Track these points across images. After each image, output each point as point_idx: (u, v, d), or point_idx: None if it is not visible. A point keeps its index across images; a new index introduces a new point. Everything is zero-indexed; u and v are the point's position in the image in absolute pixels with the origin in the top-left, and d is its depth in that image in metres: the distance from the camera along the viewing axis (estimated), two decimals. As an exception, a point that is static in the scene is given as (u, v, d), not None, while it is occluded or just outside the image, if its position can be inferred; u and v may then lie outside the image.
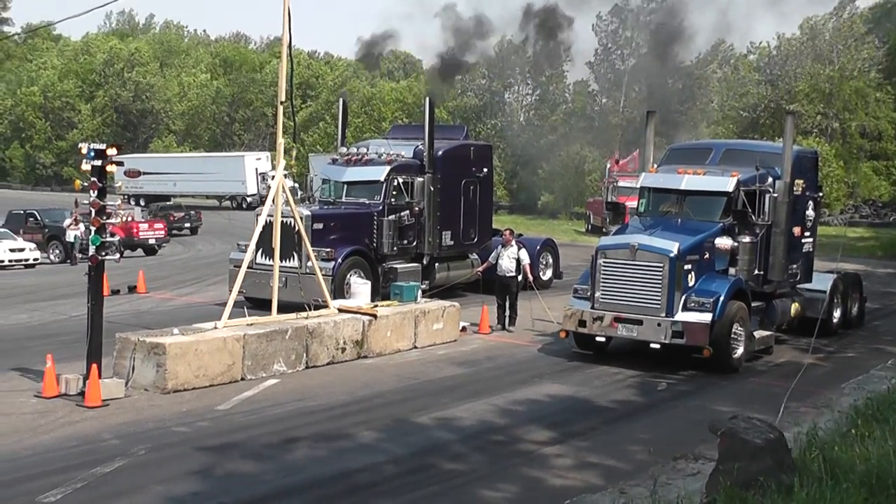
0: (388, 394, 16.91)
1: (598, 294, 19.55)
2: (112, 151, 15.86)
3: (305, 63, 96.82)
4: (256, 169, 74.22)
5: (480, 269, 25.70)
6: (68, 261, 38.84)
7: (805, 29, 75.05)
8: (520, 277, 23.45)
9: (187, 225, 54.98)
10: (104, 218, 15.86)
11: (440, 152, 27.36)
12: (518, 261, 23.32)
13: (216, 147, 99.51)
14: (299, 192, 33.15)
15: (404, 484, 12.06)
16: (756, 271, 20.49)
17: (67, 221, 40.19)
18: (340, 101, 30.87)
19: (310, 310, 19.53)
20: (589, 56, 80.00)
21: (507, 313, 23.39)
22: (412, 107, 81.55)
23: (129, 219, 43.69)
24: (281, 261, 20.31)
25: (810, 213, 22.44)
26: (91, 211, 15.82)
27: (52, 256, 41.05)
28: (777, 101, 69.06)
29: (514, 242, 23.65)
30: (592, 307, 19.62)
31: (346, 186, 26.79)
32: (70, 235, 39.18)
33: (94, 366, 15.32)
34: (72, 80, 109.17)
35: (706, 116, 76.23)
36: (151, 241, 44.95)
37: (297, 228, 21.45)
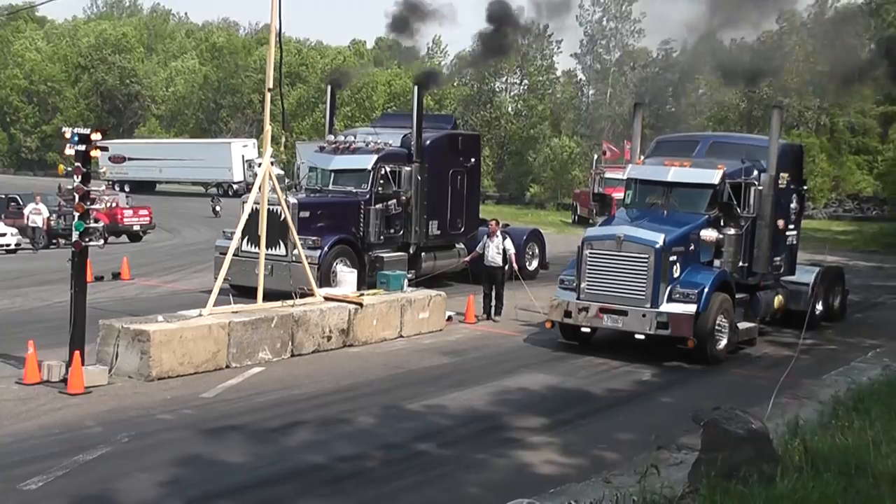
0: (373, 382, 16.92)
1: (583, 285, 19.58)
2: (96, 136, 15.77)
3: (294, 51, 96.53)
4: (243, 156, 73.99)
5: (467, 258, 25.73)
6: (33, 247, 38.32)
7: (782, 21, 75.17)
8: (506, 267, 23.50)
9: None
10: (88, 203, 15.80)
11: (428, 142, 27.34)
12: (504, 251, 23.37)
13: (202, 133, 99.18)
14: (286, 180, 33.08)
15: (390, 472, 12.08)
16: (741, 263, 20.59)
17: (31, 207, 39.78)
18: (329, 88, 30.82)
19: (296, 298, 19.52)
20: (575, 47, 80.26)
21: (494, 303, 23.44)
22: (400, 95, 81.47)
23: (114, 204, 43.54)
24: (267, 249, 20.28)
25: (795, 206, 22.55)
26: (75, 196, 15.76)
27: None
28: (773, 95, 69.19)
29: (499, 233, 23.68)
30: (578, 298, 19.65)
31: (333, 175, 26.74)
32: (34, 221, 38.84)
33: (77, 352, 15.26)
34: (58, 64, 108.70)
35: (696, 110, 76.35)
36: (136, 228, 44.78)
37: (283, 216, 21.42)
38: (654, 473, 10.83)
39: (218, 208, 56.86)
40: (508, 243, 23.63)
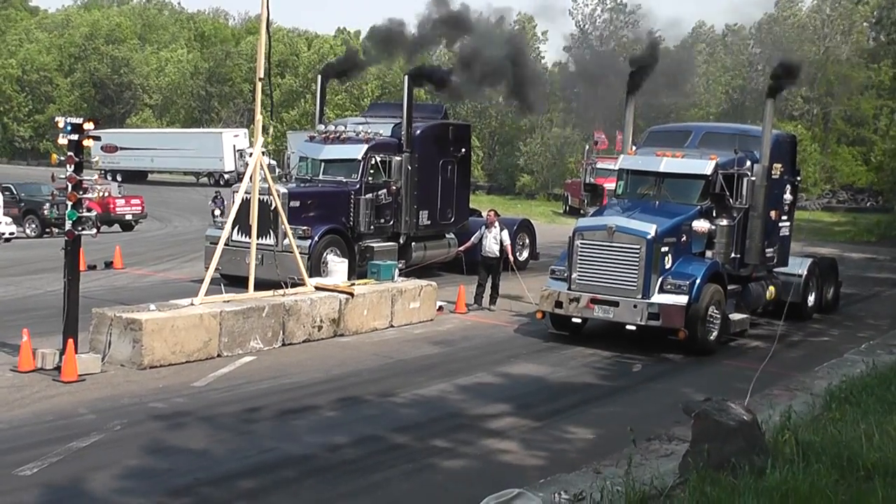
0: (363, 372, 16.93)
1: (574, 275, 19.60)
2: (89, 126, 15.77)
3: (286, 40, 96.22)
4: (234, 146, 73.79)
5: (462, 248, 25.73)
6: None
7: (782, 6, 75.14)
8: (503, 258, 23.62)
9: None
10: (81, 193, 15.79)
11: (418, 131, 27.31)
12: (501, 242, 23.43)
13: (194, 123, 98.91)
14: (277, 170, 33.03)
15: (378, 462, 12.09)
16: (733, 254, 20.61)
17: None
18: (319, 78, 30.75)
19: (287, 287, 19.52)
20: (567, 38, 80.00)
21: (490, 292, 23.50)
22: (391, 85, 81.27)
23: (106, 194, 43.46)
24: (257, 238, 20.24)
25: (788, 196, 22.55)
26: (67, 185, 15.74)
27: (27, 231, 40.76)
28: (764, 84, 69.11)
29: (497, 224, 23.72)
30: (569, 288, 19.67)
31: (323, 164, 26.69)
32: None
33: (71, 341, 15.27)
34: (51, 54, 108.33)
35: (689, 102, 76.24)
36: (128, 217, 44.73)
37: (273, 206, 21.38)
38: (644, 464, 10.89)
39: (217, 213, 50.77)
40: (505, 234, 23.70)
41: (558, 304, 19.82)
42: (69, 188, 15.70)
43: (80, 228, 15.78)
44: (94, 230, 17.00)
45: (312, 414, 14.12)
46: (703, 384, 16.62)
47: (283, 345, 18.40)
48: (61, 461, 11.47)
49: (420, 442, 13.07)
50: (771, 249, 21.70)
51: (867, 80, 69.67)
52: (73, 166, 15.69)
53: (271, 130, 47.25)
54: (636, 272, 19.00)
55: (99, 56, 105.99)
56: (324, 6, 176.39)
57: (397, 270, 22.43)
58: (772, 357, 19.22)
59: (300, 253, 21.04)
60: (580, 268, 19.57)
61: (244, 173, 20.05)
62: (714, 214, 20.35)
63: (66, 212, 15.70)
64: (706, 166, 20.30)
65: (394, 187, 26.33)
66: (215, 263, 18.87)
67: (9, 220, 39.18)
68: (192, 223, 46.37)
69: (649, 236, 18.95)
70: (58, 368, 15.29)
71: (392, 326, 20.81)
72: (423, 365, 17.77)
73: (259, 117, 19.78)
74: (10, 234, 38.39)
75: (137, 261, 30.31)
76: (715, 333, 19.48)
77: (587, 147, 59.07)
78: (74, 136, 15.64)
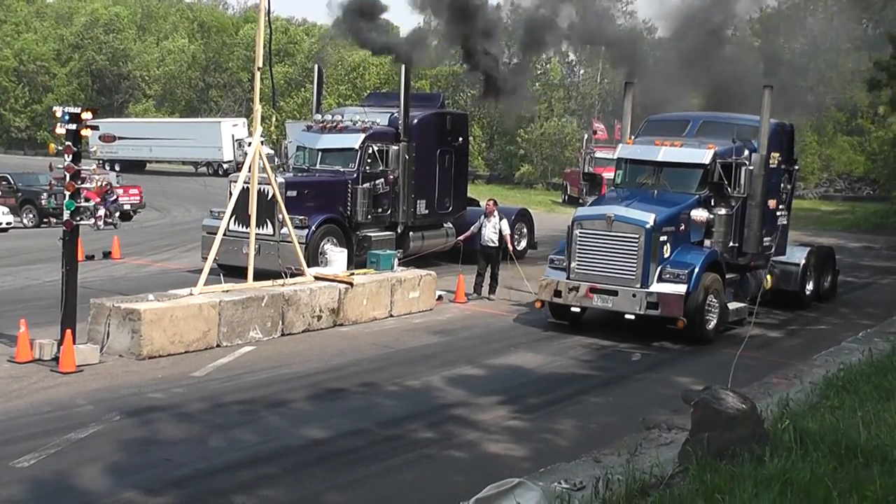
0: (363, 362, 16.93)
1: (573, 264, 19.60)
2: (87, 115, 15.74)
3: (283, 29, 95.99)
4: (233, 135, 73.72)
5: (462, 237, 25.69)
6: None
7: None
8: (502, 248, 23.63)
9: None
10: (79, 182, 15.77)
11: (416, 120, 27.28)
12: (500, 231, 23.43)
13: (193, 112, 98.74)
14: (275, 160, 32.98)
15: (378, 452, 12.10)
16: (731, 243, 20.62)
17: None
18: (316, 67, 30.68)
19: (286, 277, 19.50)
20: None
21: (489, 282, 23.49)
22: (390, 74, 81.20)
23: (105, 184, 43.40)
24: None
25: (786, 186, 22.56)
26: (65, 175, 15.72)
27: (25, 221, 40.73)
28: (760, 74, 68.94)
29: (496, 213, 23.72)
30: (568, 277, 19.67)
31: (320, 154, 26.66)
32: None
33: (69, 331, 15.25)
34: (49, 44, 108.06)
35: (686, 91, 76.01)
36: (126, 207, 44.67)
37: (270, 196, 21.35)
38: (643, 453, 10.90)
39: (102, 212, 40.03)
40: (504, 224, 23.69)
41: (557, 294, 19.83)
42: (67, 178, 15.68)
43: (78, 218, 15.76)
44: (93, 220, 16.97)
45: (312, 404, 14.12)
46: (701, 373, 16.63)
47: (283, 335, 18.39)
48: (59, 452, 11.45)
49: (419, 432, 13.07)
50: (769, 238, 21.70)
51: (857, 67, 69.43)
52: (71, 156, 15.66)
53: (273, 119, 47.23)
54: (635, 261, 19.00)
55: (97, 46, 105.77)
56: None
57: (397, 260, 22.43)
58: (768, 346, 19.31)
59: (297, 242, 21.01)
60: (579, 257, 19.57)
61: (243, 163, 20.00)
62: (712, 203, 20.36)
63: (65, 201, 15.69)
64: (704, 155, 20.30)
65: (391, 177, 26.32)
66: (214, 253, 18.84)
67: (6, 209, 39.17)
68: (190, 213, 46.31)
69: (648, 225, 18.95)
70: (56, 359, 15.26)
71: (391, 316, 20.81)
72: (422, 355, 17.78)
73: (258, 107, 19.75)
74: (7, 223, 38.38)
75: (136, 251, 30.27)
76: (713, 322, 19.50)
77: (586, 136, 59.04)
78: (72, 126, 15.61)
